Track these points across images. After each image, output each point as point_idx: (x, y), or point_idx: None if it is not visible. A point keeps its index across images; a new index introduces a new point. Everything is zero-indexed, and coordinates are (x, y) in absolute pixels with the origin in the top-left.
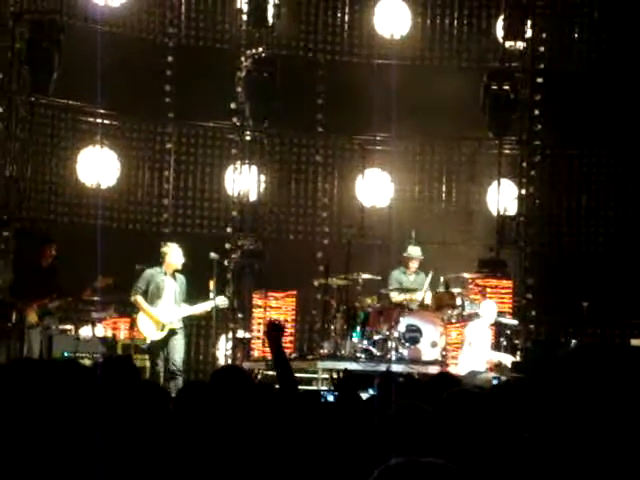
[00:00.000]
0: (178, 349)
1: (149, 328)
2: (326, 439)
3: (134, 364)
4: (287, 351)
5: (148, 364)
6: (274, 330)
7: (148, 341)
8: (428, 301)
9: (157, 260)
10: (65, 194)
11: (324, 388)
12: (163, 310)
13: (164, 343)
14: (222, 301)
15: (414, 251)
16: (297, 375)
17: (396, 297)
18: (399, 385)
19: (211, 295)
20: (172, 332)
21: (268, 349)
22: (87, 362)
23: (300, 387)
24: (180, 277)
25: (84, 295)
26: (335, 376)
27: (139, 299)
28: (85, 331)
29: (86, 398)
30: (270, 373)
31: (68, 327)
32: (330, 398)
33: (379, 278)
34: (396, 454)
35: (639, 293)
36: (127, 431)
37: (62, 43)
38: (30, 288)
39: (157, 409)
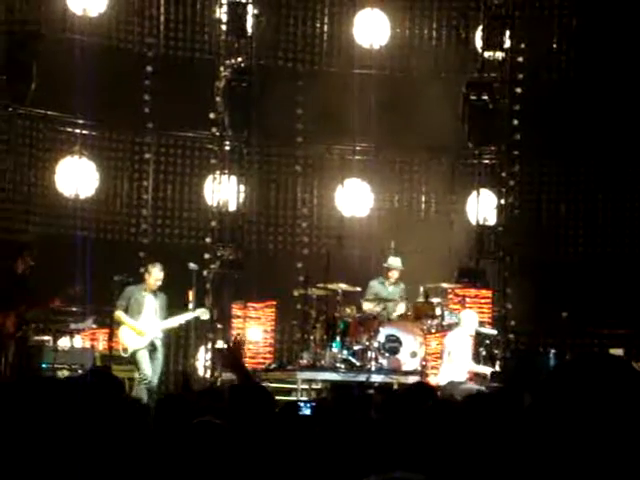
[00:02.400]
0: (155, 368)
1: (131, 338)
2: (302, 453)
3: (118, 378)
4: (266, 362)
5: (126, 375)
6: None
7: (130, 350)
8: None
9: (140, 275)
10: (44, 204)
11: (303, 399)
12: (144, 322)
13: (147, 353)
14: (203, 313)
15: (394, 262)
16: (276, 385)
17: (371, 307)
18: (375, 397)
19: (190, 306)
20: (153, 344)
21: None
22: (65, 373)
23: (279, 398)
24: (161, 294)
25: (53, 303)
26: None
27: (121, 314)
28: (63, 342)
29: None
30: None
31: (46, 338)
32: (307, 411)
33: (359, 289)
34: (375, 468)
35: (618, 303)
36: (108, 445)
37: (40, 53)
38: (6, 297)
39: (138, 424)
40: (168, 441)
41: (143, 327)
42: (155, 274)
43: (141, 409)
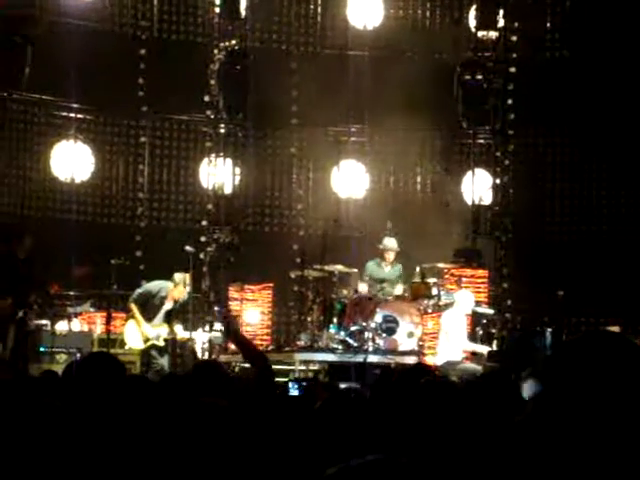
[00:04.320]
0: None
1: (133, 337)
2: (290, 434)
3: (119, 360)
4: (264, 343)
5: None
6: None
7: (126, 347)
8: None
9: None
10: (39, 188)
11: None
12: (152, 327)
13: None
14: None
15: (390, 243)
16: (274, 367)
17: (368, 289)
18: (375, 376)
19: (188, 288)
20: (153, 347)
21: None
22: (63, 357)
23: (276, 379)
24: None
25: (51, 289)
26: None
27: (134, 308)
28: (61, 326)
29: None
30: (246, 366)
31: (44, 322)
32: (295, 392)
33: (355, 270)
34: (369, 448)
35: (614, 281)
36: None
37: (35, 37)
38: (6, 281)
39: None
40: (173, 420)
41: (150, 332)
42: (179, 287)
43: (148, 384)
